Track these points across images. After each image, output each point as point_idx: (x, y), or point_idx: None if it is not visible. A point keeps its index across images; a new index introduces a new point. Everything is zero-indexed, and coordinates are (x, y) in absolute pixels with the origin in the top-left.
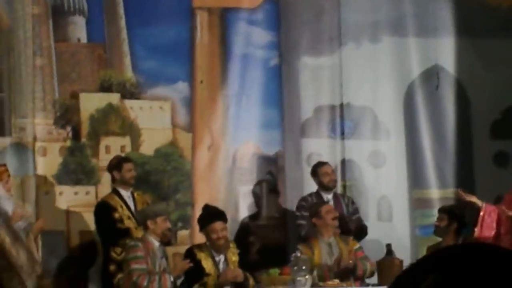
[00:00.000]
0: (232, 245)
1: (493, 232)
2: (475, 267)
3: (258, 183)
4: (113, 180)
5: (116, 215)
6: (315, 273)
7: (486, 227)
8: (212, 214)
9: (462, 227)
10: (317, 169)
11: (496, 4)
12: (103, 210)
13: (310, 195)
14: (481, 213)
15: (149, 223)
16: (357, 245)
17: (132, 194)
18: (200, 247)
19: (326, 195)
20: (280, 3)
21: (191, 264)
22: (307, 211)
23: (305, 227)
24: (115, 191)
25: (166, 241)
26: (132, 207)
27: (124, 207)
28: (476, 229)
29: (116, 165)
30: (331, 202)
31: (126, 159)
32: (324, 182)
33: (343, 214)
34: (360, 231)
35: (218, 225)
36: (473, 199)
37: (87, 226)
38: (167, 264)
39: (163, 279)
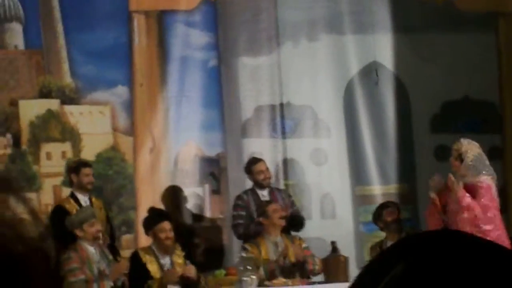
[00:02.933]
0: (177, 247)
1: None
2: (444, 255)
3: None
4: (71, 183)
5: None
6: (261, 270)
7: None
8: (159, 215)
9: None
10: (251, 167)
11: None
12: (57, 214)
13: (246, 192)
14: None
15: (77, 231)
16: (304, 244)
17: (90, 199)
18: (145, 250)
19: (261, 191)
20: (217, 4)
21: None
22: (244, 210)
23: (243, 226)
24: (72, 195)
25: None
26: None
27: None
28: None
29: (74, 168)
30: (267, 198)
31: (85, 164)
32: (259, 180)
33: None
34: (299, 224)
35: (166, 224)
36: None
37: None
38: (108, 265)
39: (101, 287)
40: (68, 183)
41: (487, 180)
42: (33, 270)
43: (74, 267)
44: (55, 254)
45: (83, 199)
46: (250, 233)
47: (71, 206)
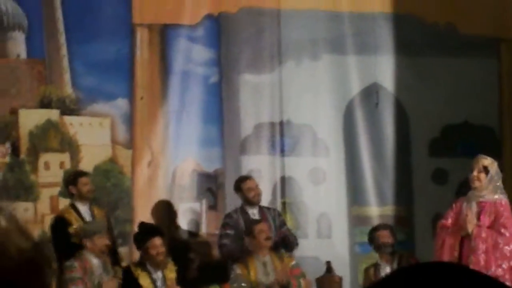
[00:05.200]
0: (169, 261)
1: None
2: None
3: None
4: (71, 196)
5: (71, 230)
6: None
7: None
8: (149, 230)
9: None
10: (240, 185)
11: (433, 22)
12: (58, 224)
13: (235, 211)
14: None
15: (86, 242)
16: (293, 262)
17: (91, 209)
18: (137, 265)
19: (251, 210)
20: (220, 20)
21: (120, 281)
22: (232, 229)
23: (228, 247)
24: (72, 206)
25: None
26: None
27: (81, 222)
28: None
29: (71, 180)
30: (257, 217)
31: (82, 173)
32: (249, 197)
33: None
34: (289, 243)
35: (157, 240)
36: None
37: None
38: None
39: None
40: (68, 195)
41: (505, 198)
42: (23, 282)
43: (75, 276)
44: (56, 264)
45: (84, 209)
46: (235, 254)
47: (71, 216)
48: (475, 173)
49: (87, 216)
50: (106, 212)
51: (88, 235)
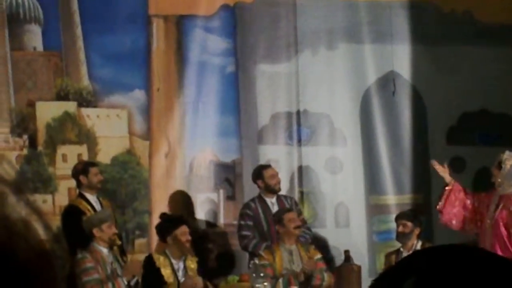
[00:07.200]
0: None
1: (454, 210)
2: (456, 269)
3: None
4: (79, 185)
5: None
6: (280, 281)
7: (449, 203)
8: (175, 219)
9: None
10: (262, 172)
11: (450, 10)
12: (72, 214)
13: (253, 200)
14: (448, 188)
15: (95, 231)
16: (318, 255)
17: (98, 198)
18: (159, 254)
19: (270, 199)
20: (236, 10)
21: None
22: (251, 219)
23: (251, 239)
24: (81, 196)
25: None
26: None
27: (92, 212)
28: (440, 203)
29: (82, 170)
30: (275, 205)
31: (92, 164)
32: (271, 185)
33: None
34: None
35: (185, 228)
36: (445, 174)
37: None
38: (120, 266)
39: (117, 284)
40: (76, 185)
41: None
42: (36, 274)
43: (88, 267)
44: (68, 256)
45: (93, 199)
46: (256, 245)
47: (83, 206)
48: (493, 167)
49: (96, 206)
50: (112, 203)
51: (96, 224)
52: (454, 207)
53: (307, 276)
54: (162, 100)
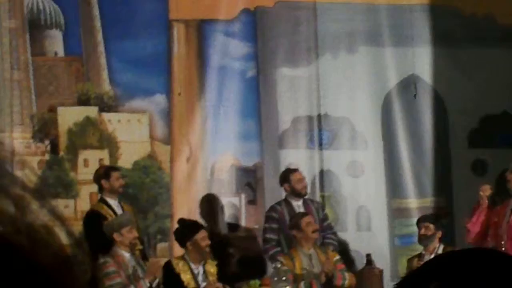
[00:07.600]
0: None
1: (477, 230)
2: (477, 274)
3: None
4: (101, 190)
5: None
6: (302, 284)
7: (475, 222)
8: (194, 225)
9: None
10: (289, 175)
11: (471, 13)
12: (93, 219)
13: (279, 203)
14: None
15: (115, 235)
16: (337, 257)
17: (120, 203)
18: (178, 260)
19: (296, 202)
20: (256, 14)
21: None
22: (276, 222)
23: (273, 246)
24: (103, 201)
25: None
26: None
27: (114, 216)
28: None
29: (104, 174)
30: (301, 209)
31: (114, 168)
32: (298, 189)
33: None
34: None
35: (204, 233)
36: None
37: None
38: (142, 270)
39: (139, 287)
40: (98, 189)
41: None
42: (59, 281)
43: (110, 271)
44: (90, 261)
45: (114, 203)
46: (279, 248)
47: (105, 211)
48: (507, 172)
49: (118, 210)
50: (134, 208)
51: (116, 228)
52: (478, 227)
53: (329, 277)
54: (183, 105)
